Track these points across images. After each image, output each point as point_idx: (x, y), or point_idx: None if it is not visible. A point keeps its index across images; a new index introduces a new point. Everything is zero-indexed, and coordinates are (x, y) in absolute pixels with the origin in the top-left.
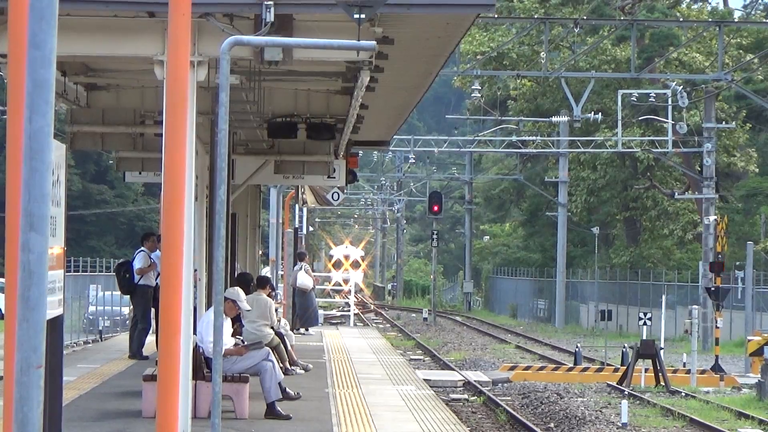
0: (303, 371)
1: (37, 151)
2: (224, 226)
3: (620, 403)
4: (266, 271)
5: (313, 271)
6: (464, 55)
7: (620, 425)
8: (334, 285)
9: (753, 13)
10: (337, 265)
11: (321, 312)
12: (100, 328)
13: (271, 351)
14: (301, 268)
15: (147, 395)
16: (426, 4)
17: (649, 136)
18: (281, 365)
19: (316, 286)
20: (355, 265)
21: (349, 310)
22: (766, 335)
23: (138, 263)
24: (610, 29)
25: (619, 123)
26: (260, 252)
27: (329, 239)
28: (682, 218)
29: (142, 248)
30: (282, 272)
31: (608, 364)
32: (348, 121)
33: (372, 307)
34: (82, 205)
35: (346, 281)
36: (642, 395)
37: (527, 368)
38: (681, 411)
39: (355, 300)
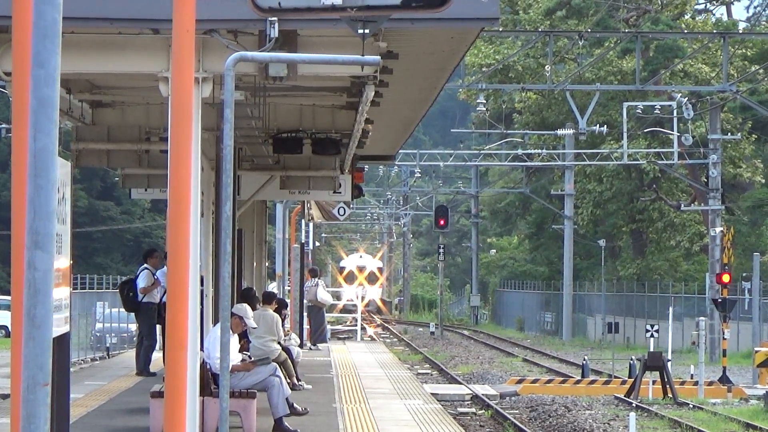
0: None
1: (42, 170)
2: (230, 242)
3: (628, 416)
4: (273, 287)
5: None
6: (469, 67)
7: None
8: (347, 301)
9: (758, 24)
10: (350, 278)
11: (329, 327)
12: (107, 345)
13: (278, 366)
14: (317, 285)
15: (154, 412)
16: (430, 18)
17: (654, 147)
18: (288, 381)
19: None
20: (372, 278)
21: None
22: None
23: (141, 282)
24: (615, 41)
25: (625, 135)
26: (266, 265)
27: (340, 248)
28: (688, 230)
29: (146, 266)
30: (288, 287)
31: (616, 377)
32: (353, 136)
33: (378, 321)
34: (89, 222)
35: (361, 298)
36: (650, 407)
37: (535, 381)
38: (689, 423)
39: (367, 317)
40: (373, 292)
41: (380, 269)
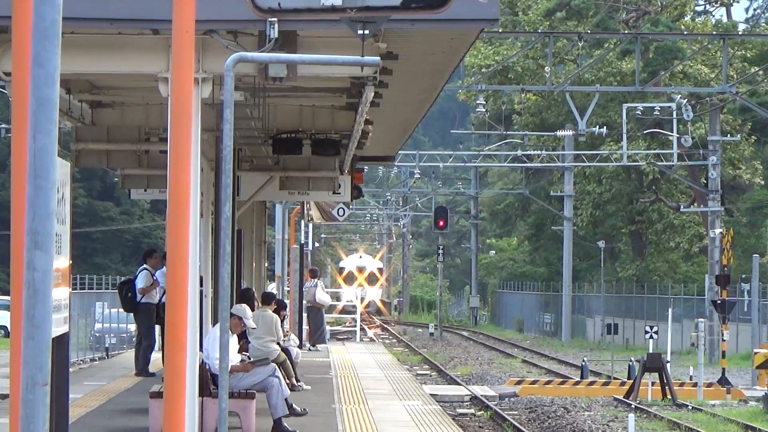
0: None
1: (41, 170)
2: (230, 243)
3: (627, 417)
4: (272, 287)
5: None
6: (469, 68)
7: None
8: (347, 302)
9: (757, 25)
10: (349, 279)
11: (328, 328)
12: (107, 345)
13: (277, 367)
14: (316, 285)
15: (154, 412)
16: (430, 19)
17: (654, 149)
18: (288, 381)
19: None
20: (372, 279)
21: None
22: None
23: (140, 283)
24: (614, 43)
25: (624, 136)
26: (266, 266)
27: (340, 249)
28: (687, 231)
29: (145, 266)
30: (288, 288)
31: (615, 378)
32: (353, 137)
33: (378, 322)
34: (88, 222)
35: (361, 299)
36: (649, 409)
37: (534, 382)
38: (688, 424)
39: (367, 318)
40: (373, 293)
41: (380, 270)
